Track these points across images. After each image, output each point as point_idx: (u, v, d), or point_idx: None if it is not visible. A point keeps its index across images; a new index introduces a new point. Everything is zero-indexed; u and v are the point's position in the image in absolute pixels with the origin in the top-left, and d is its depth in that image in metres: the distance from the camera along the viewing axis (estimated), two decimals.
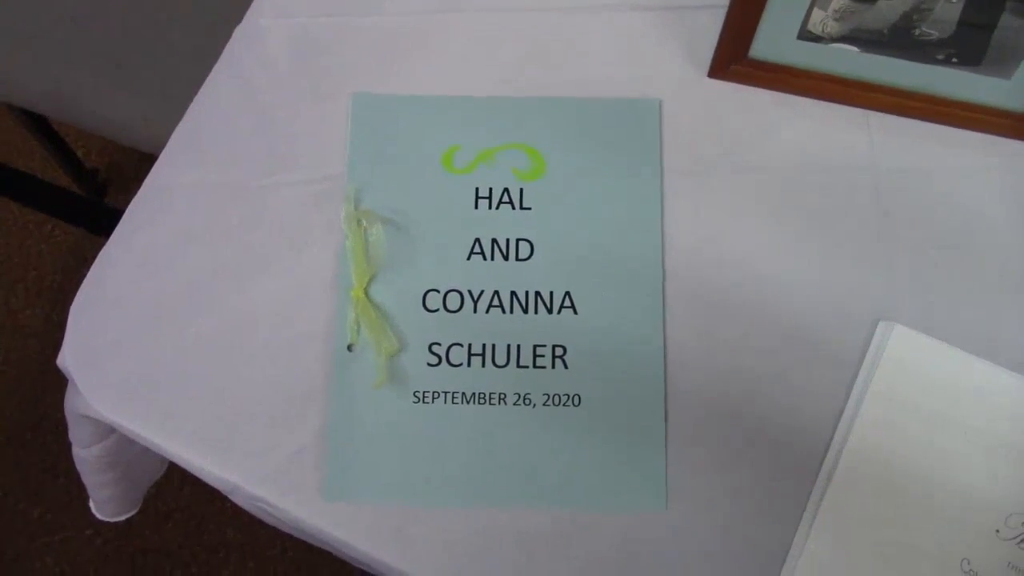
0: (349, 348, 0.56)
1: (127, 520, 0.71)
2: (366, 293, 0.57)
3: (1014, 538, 0.53)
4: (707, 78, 0.64)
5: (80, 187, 1.35)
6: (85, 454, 0.62)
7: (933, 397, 0.55)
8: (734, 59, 0.61)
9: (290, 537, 0.57)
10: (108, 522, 0.70)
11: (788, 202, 0.60)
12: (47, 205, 1.37)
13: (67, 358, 0.57)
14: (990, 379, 0.56)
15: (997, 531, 0.53)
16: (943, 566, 0.53)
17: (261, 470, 0.54)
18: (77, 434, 0.61)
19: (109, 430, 0.61)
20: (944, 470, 0.54)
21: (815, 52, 0.60)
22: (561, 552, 0.53)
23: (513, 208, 0.59)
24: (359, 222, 0.58)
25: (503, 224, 0.59)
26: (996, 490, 0.54)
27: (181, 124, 0.63)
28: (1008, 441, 0.54)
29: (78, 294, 0.59)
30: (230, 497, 0.57)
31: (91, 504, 0.70)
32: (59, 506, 1.20)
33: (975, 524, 0.53)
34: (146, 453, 0.74)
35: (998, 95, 0.59)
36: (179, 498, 1.20)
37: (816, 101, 0.62)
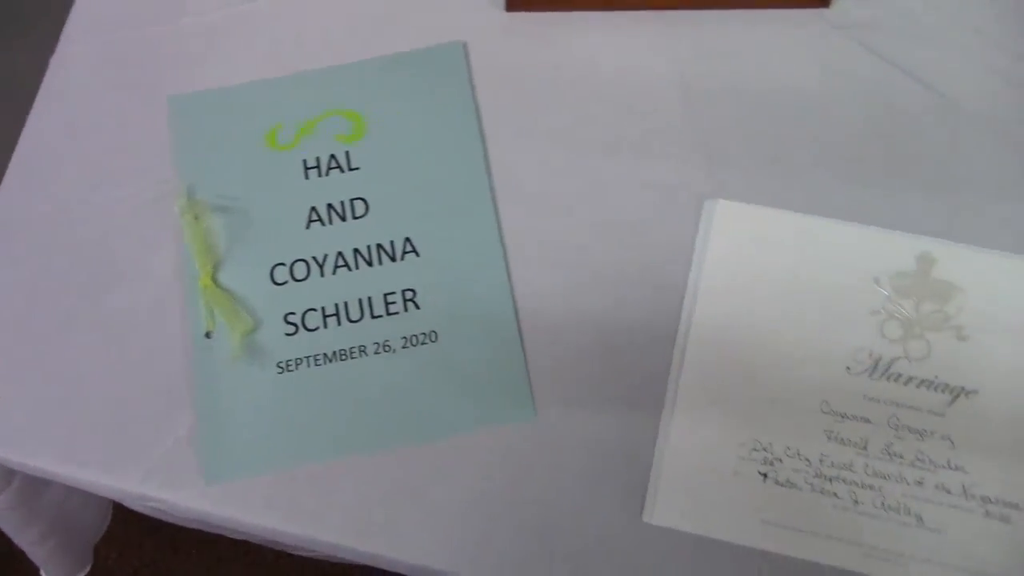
0: (207, 335, 0.58)
1: None
2: (214, 280, 0.58)
3: (864, 371, 0.55)
4: (505, 12, 0.66)
5: None
6: None
7: (766, 258, 0.58)
8: None
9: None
10: None
11: (602, 111, 0.62)
12: None
13: None
14: (816, 231, 0.58)
15: (848, 368, 0.55)
16: (804, 412, 0.55)
17: (142, 469, 0.55)
18: None
19: (7, 475, 0.62)
20: (788, 324, 0.56)
21: None
22: (451, 479, 0.55)
23: (342, 171, 0.61)
24: (194, 215, 0.59)
25: (335, 188, 0.61)
26: (839, 331, 0.56)
27: (13, 159, 0.64)
28: (841, 284, 0.57)
29: None
30: (124, 504, 0.58)
31: (42, 572, 0.70)
32: None
33: (826, 367, 0.55)
34: (68, 500, 0.74)
35: None
36: (142, 554, 1.20)
37: (615, 14, 0.65)
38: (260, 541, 0.68)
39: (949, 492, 0.53)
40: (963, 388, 0.55)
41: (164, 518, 0.59)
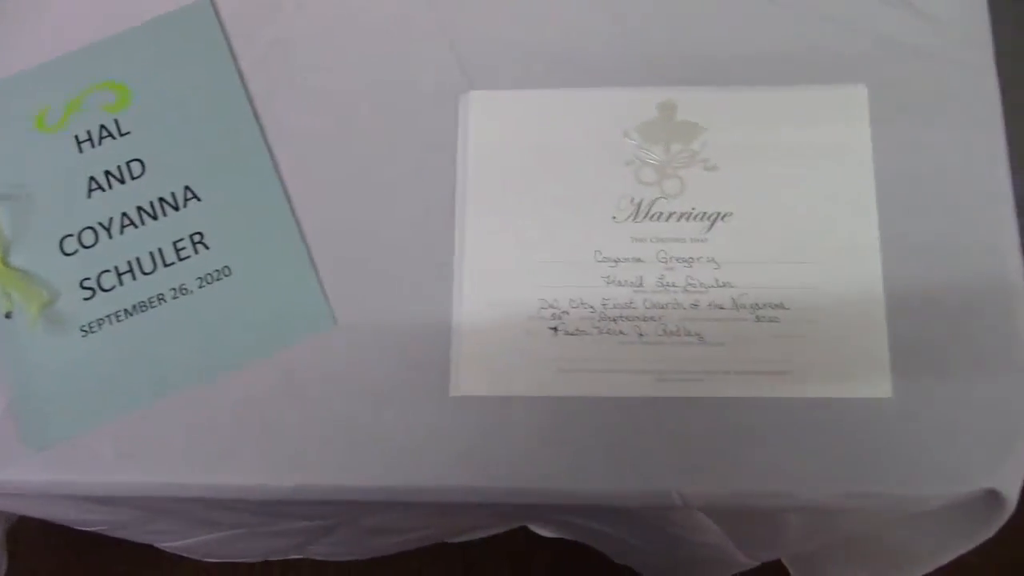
0: (8, 316, 0.59)
1: None
2: (5, 264, 0.60)
3: (628, 217, 0.60)
4: None
5: None
6: None
7: (524, 135, 0.62)
8: None
9: None
10: None
11: (354, 36, 0.65)
12: None
13: None
14: (565, 101, 0.62)
15: (613, 217, 0.60)
16: (582, 265, 0.59)
17: None
18: None
19: None
20: (554, 190, 0.60)
21: None
22: (270, 403, 0.58)
23: (114, 139, 0.63)
24: None
25: (110, 155, 0.63)
26: (601, 186, 0.60)
27: None
28: (595, 143, 0.61)
29: None
30: None
31: None
32: None
33: (594, 221, 0.59)
34: None
35: None
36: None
37: None
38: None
39: (722, 308, 0.58)
40: (718, 213, 0.59)
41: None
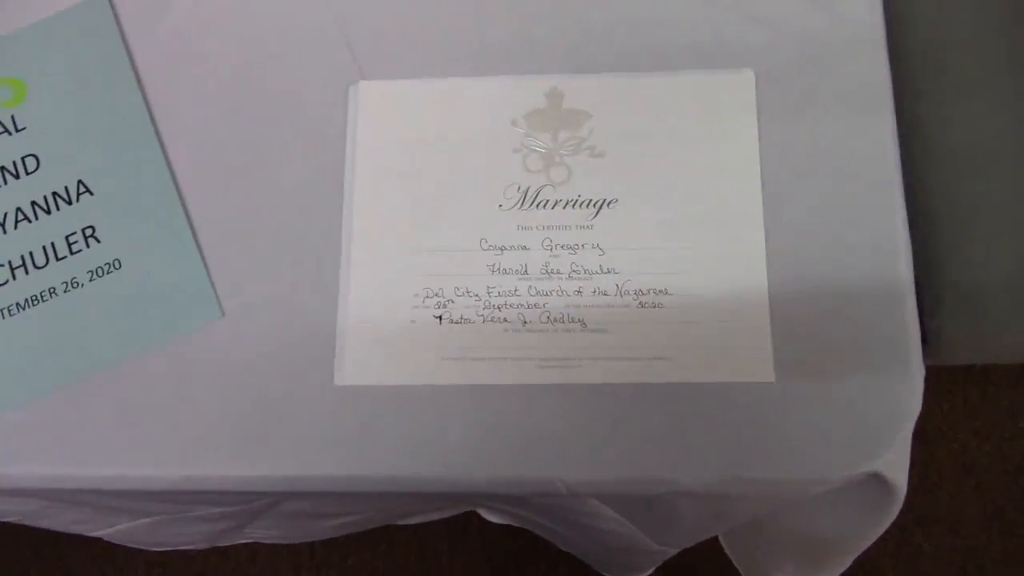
0: None
1: None
2: None
3: (514, 205, 0.60)
4: None
5: None
6: None
7: (414, 123, 0.62)
8: None
9: None
10: None
11: (245, 22, 0.65)
12: None
13: None
14: (454, 90, 0.62)
15: (500, 205, 0.60)
16: (468, 253, 0.59)
17: None
18: None
19: None
20: (442, 178, 0.60)
21: None
22: (159, 394, 0.59)
23: (10, 135, 0.63)
24: None
25: (5, 151, 0.63)
26: (488, 174, 0.60)
27: None
28: (483, 132, 0.61)
29: None
30: None
31: None
32: None
33: (481, 209, 0.60)
34: None
35: None
36: None
37: None
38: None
39: (606, 294, 0.58)
40: (604, 199, 0.59)
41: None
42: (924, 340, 0.58)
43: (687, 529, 0.66)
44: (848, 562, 0.70)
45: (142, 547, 0.88)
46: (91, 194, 0.62)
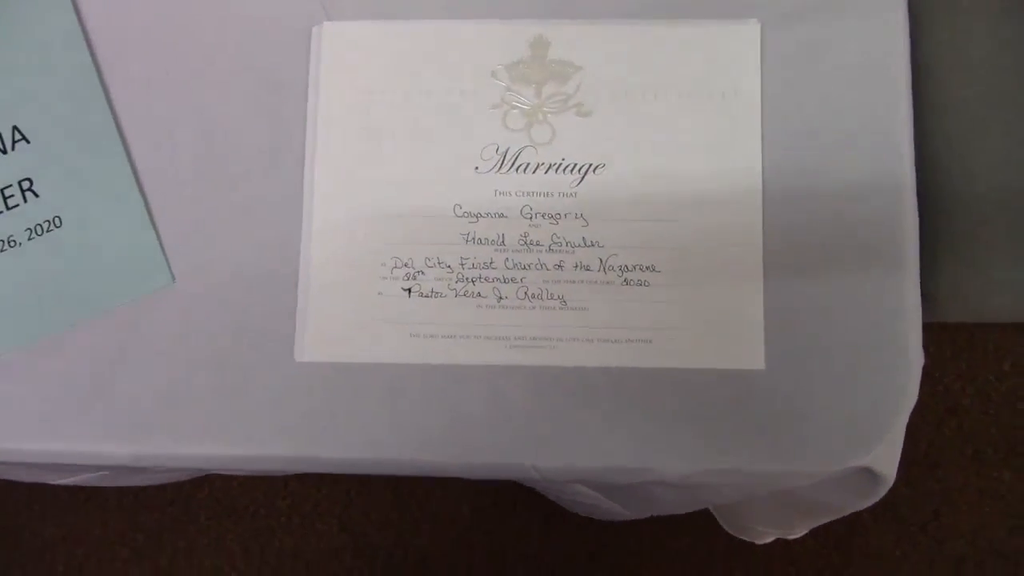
0: None
1: None
2: None
3: (492, 168, 0.54)
4: None
5: None
6: None
7: (382, 72, 0.56)
8: None
9: None
10: None
11: None
12: None
13: None
14: (426, 35, 0.56)
15: (476, 168, 0.54)
16: (440, 220, 0.54)
17: None
18: None
19: None
20: (413, 135, 0.55)
21: None
22: (104, 365, 0.55)
23: None
24: None
25: None
26: (464, 133, 0.55)
27: None
28: (459, 84, 0.55)
29: None
30: None
31: None
32: None
33: (455, 171, 0.55)
34: None
35: None
36: None
37: None
38: None
39: (588, 269, 0.53)
40: (590, 164, 0.54)
41: None
42: None
43: (668, 507, 0.64)
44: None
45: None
46: (27, 142, 0.56)
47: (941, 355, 1.15)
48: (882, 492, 0.54)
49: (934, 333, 1.10)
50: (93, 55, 0.57)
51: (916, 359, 0.51)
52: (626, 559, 1.07)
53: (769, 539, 0.85)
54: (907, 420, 0.52)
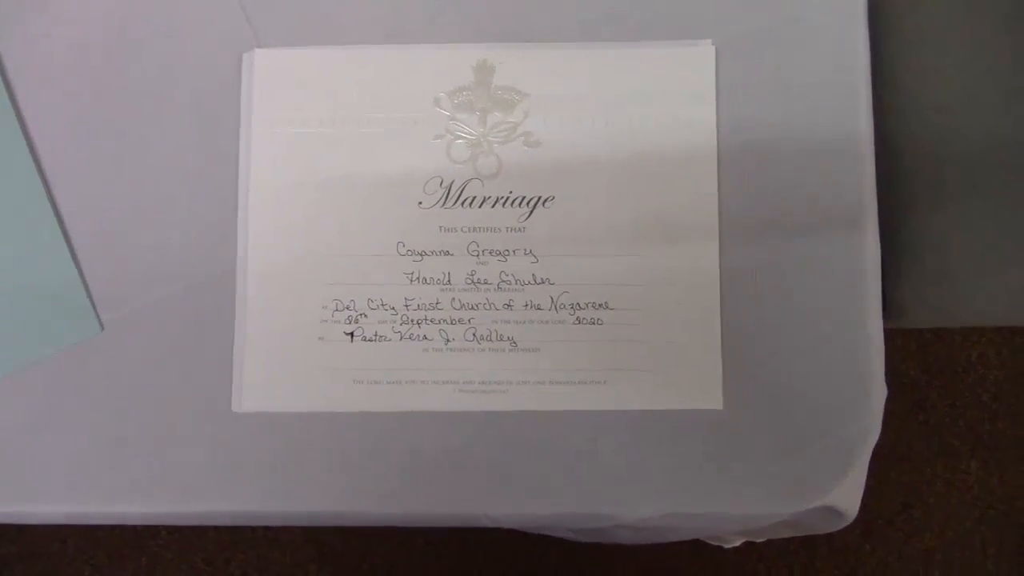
0: None
1: None
2: None
3: (436, 203, 0.52)
4: None
5: None
6: None
7: (318, 101, 0.53)
8: None
9: None
10: None
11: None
12: None
13: None
14: (365, 61, 0.53)
15: (420, 203, 0.52)
16: (382, 259, 0.52)
17: None
18: None
19: None
20: (352, 169, 0.52)
21: None
22: (26, 420, 0.52)
23: None
24: None
25: None
26: (406, 166, 0.52)
27: None
28: (401, 113, 0.52)
29: None
30: None
31: None
32: None
33: (398, 207, 0.52)
34: None
35: None
36: None
37: None
38: None
39: (539, 308, 0.51)
40: (539, 197, 0.51)
41: None
42: (884, 307, 0.53)
43: (628, 542, 0.62)
44: None
45: None
46: None
47: (907, 348, 1.14)
48: (844, 525, 0.53)
49: (899, 328, 1.09)
50: (10, 92, 0.53)
51: (878, 396, 0.49)
52: (596, 561, 1.06)
53: (738, 543, 0.84)
54: (870, 456, 0.50)
